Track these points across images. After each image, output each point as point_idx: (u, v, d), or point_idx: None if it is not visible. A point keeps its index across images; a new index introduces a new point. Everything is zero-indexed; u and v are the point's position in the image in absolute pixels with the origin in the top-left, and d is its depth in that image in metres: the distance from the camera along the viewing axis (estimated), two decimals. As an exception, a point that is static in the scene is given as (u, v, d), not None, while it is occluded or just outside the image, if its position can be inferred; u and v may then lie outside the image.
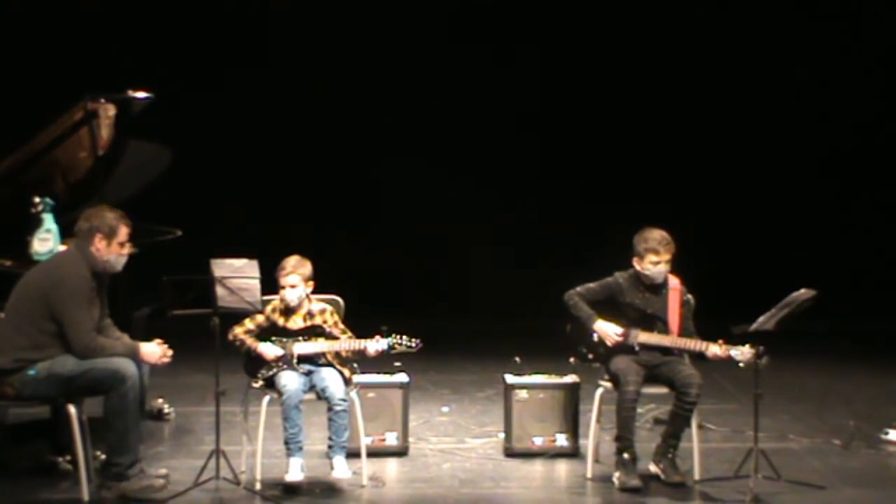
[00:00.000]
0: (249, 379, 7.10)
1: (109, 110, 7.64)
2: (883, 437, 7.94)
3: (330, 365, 7.06)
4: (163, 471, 6.97)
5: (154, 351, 6.72)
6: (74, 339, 6.52)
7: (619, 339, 7.12)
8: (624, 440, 6.97)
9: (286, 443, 6.87)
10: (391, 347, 6.99)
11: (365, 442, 7.14)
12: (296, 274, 7.05)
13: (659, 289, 7.19)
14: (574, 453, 7.58)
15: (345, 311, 7.29)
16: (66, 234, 7.26)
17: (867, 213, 12.03)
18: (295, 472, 6.85)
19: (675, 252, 7.13)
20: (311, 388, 6.99)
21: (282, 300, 7.10)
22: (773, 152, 12.10)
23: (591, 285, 7.23)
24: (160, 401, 8.31)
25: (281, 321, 7.10)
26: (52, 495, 6.80)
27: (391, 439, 7.59)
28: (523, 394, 7.64)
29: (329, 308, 7.18)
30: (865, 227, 12.01)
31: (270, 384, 7.02)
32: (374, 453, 7.36)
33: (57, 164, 7.66)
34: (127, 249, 6.76)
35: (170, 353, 6.77)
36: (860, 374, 9.99)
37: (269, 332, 7.10)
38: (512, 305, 11.33)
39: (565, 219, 11.89)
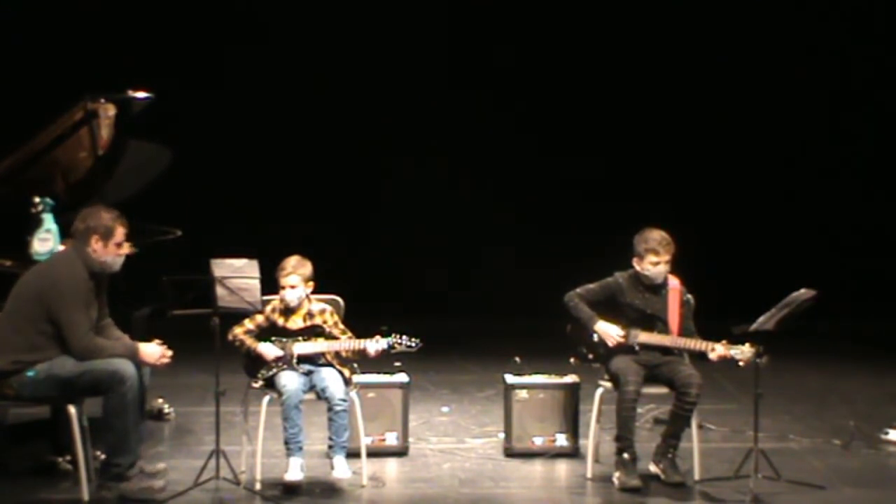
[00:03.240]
0: (249, 379, 7.10)
1: (109, 110, 7.64)
2: (883, 437, 7.94)
3: (330, 365, 7.06)
4: (161, 465, 6.95)
5: (153, 352, 6.71)
6: (72, 340, 6.52)
7: (621, 339, 7.12)
8: (624, 440, 6.97)
9: (286, 443, 6.87)
10: (391, 347, 6.99)
11: (365, 442, 7.14)
12: (296, 274, 7.05)
13: (659, 289, 7.19)
14: (574, 453, 7.58)
15: (345, 311, 7.29)
16: (66, 234, 7.25)
17: (867, 212, 12.02)
18: (294, 471, 6.85)
19: (674, 252, 7.13)
20: (311, 388, 6.99)
21: (282, 300, 7.10)
22: (773, 152, 12.10)
23: (591, 286, 7.23)
24: (160, 401, 8.31)
25: (281, 321, 7.10)
26: (52, 495, 6.80)
27: (391, 439, 7.59)
28: (523, 394, 7.64)
29: (329, 308, 7.18)
30: (865, 227, 12.01)
31: (270, 384, 7.02)
32: (374, 453, 7.36)
33: (57, 164, 7.66)
34: (124, 250, 6.75)
35: (169, 353, 6.77)
36: (860, 374, 9.99)
37: (268, 332, 7.10)
38: (512, 305, 11.33)
39: (565, 219, 11.89)
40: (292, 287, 7.05)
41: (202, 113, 11.42)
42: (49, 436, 7.18)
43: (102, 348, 6.58)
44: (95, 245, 6.66)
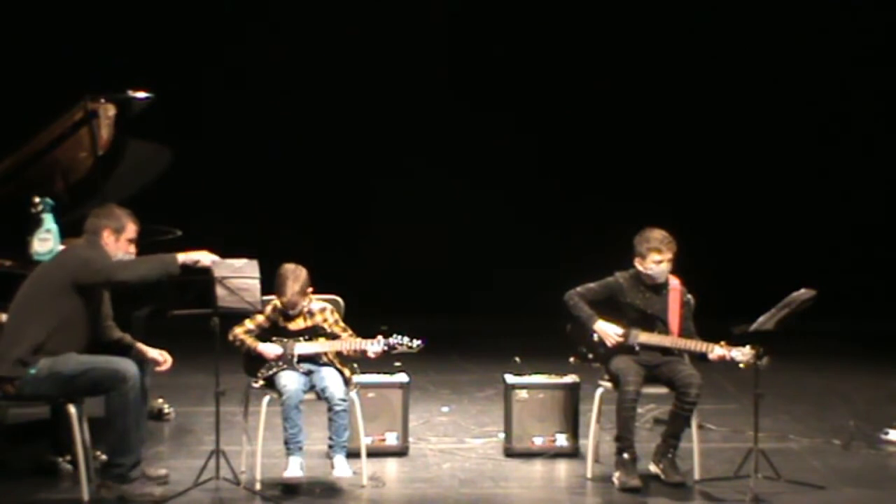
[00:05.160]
0: (249, 379, 7.10)
1: (109, 110, 7.65)
2: (883, 437, 7.94)
3: (330, 364, 7.06)
4: (163, 471, 6.97)
5: (202, 254, 6.68)
6: (111, 274, 6.54)
7: (620, 339, 7.11)
8: (624, 440, 6.97)
9: (286, 443, 6.87)
10: (392, 348, 6.98)
11: (365, 442, 7.14)
12: (296, 294, 7.01)
13: (659, 289, 7.18)
14: (574, 453, 7.58)
15: (345, 311, 7.28)
16: (66, 234, 7.26)
17: (868, 212, 12.02)
18: (294, 469, 6.84)
19: (676, 251, 7.13)
20: (311, 388, 6.99)
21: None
22: (773, 152, 12.10)
23: (592, 285, 7.22)
24: (160, 401, 8.31)
25: (281, 321, 7.10)
26: (52, 495, 6.80)
27: (391, 439, 7.59)
28: (523, 394, 7.64)
29: (329, 307, 7.17)
30: (866, 227, 12.01)
31: (270, 384, 7.02)
32: (374, 453, 7.35)
33: (57, 164, 7.66)
34: (134, 249, 6.77)
35: (169, 359, 6.81)
36: (860, 374, 9.99)
37: (269, 332, 7.09)
38: (512, 305, 11.33)
39: (565, 219, 11.89)
40: (294, 304, 7.05)
41: (202, 112, 11.43)
42: (49, 436, 7.18)
43: (133, 260, 6.66)
44: (107, 239, 6.69)
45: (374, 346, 6.98)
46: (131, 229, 6.74)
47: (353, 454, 7.00)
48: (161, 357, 6.84)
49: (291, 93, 11.87)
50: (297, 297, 7.01)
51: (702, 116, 11.95)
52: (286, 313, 7.08)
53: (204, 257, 6.70)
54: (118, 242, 6.71)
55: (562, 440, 7.61)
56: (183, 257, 6.66)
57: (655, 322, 7.16)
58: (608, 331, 7.13)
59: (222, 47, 11.69)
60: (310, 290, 7.08)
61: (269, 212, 11.75)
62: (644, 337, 7.11)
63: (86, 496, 6.61)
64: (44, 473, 7.04)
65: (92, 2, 11.43)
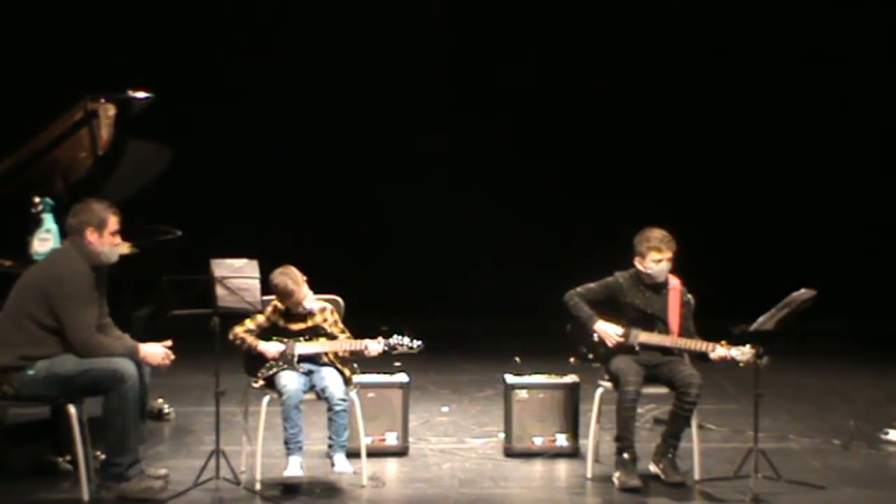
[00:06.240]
0: (249, 379, 7.10)
1: (109, 110, 7.65)
2: (883, 437, 7.94)
3: (330, 364, 7.06)
4: (163, 471, 6.97)
5: (156, 352, 6.70)
6: (74, 337, 6.51)
7: (620, 339, 7.11)
8: (624, 440, 6.97)
9: (286, 443, 6.87)
10: (392, 348, 6.98)
11: (365, 442, 7.14)
12: (300, 291, 7.01)
13: (659, 288, 7.19)
14: (574, 453, 7.58)
15: (345, 312, 7.28)
16: (66, 234, 7.25)
17: (868, 212, 12.02)
18: (294, 468, 6.84)
19: (676, 250, 7.13)
20: (311, 388, 6.99)
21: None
22: (773, 151, 12.09)
23: (592, 285, 7.23)
24: (160, 401, 8.31)
25: (281, 322, 7.10)
26: (52, 495, 6.80)
27: (391, 439, 7.59)
28: (523, 394, 7.64)
29: (329, 307, 7.18)
30: (866, 227, 12.00)
31: (270, 384, 7.02)
32: (374, 453, 7.35)
33: (57, 164, 7.66)
34: (119, 240, 6.74)
35: (172, 356, 6.77)
36: (860, 374, 9.98)
37: (269, 332, 7.09)
38: (512, 305, 11.32)
39: (565, 219, 11.89)
40: (302, 300, 7.06)
41: (202, 112, 11.43)
42: (49, 436, 7.18)
43: (102, 345, 6.57)
44: (91, 237, 6.66)
45: (375, 346, 6.98)
46: (113, 221, 6.70)
47: (353, 454, 7.00)
48: (159, 358, 6.79)
49: (291, 93, 11.87)
50: (302, 294, 7.02)
51: (701, 116, 11.94)
52: (286, 313, 7.09)
53: (153, 357, 6.70)
54: (102, 238, 6.67)
55: (562, 440, 7.61)
56: (143, 353, 6.67)
57: (655, 322, 7.16)
58: (608, 331, 7.13)
59: (222, 47, 11.68)
60: (304, 279, 7.08)
61: (269, 212, 11.74)
62: (644, 337, 7.11)
63: (86, 496, 6.61)
64: (44, 473, 7.04)
65: (92, 2, 11.43)
